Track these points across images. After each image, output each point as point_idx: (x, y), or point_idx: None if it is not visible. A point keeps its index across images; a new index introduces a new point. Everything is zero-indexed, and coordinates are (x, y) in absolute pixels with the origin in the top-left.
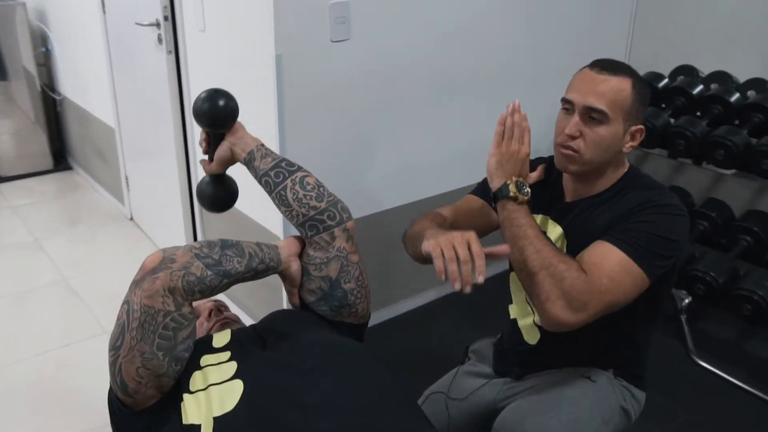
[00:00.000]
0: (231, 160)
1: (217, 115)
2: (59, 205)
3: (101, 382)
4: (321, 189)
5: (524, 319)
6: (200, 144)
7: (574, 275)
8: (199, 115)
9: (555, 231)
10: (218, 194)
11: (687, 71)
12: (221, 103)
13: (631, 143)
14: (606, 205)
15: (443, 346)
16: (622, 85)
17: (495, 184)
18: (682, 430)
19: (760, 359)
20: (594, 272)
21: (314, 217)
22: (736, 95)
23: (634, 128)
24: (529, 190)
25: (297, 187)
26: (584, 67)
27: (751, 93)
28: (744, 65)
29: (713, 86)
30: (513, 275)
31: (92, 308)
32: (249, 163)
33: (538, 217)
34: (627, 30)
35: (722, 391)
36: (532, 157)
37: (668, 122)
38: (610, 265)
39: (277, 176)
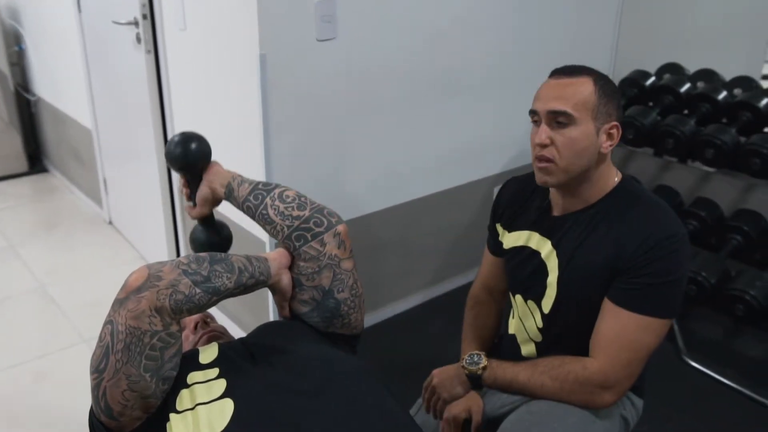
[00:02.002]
0: (212, 199)
1: (190, 157)
2: (35, 209)
3: (80, 395)
4: (302, 198)
5: (521, 335)
6: (181, 191)
7: (582, 365)
8: (173, 160)
9: (545, 246)
10: (212, 240)
11: (673, 69)
12: (193, 146)
13: (609, 142)
14: (602, 227)
15: (431, 351)
16: (583, 86)
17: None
18: None
19: (750, 359)
20: (614, 351)
21: (299, 227)
22: (724, 93)
23: (607, 126)
24: (480, 354)
25: (277, 202)
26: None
27: (737, 91)
28: (729, 63)
29: (700, 84)
30: (519, 298)
31: (70, 316)
32: (229, 196)
33: (525, 233)
34: (613, 28)
35: (713, 392)
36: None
37: (657, 121)
38: (630, 336)
39: (256, 198)
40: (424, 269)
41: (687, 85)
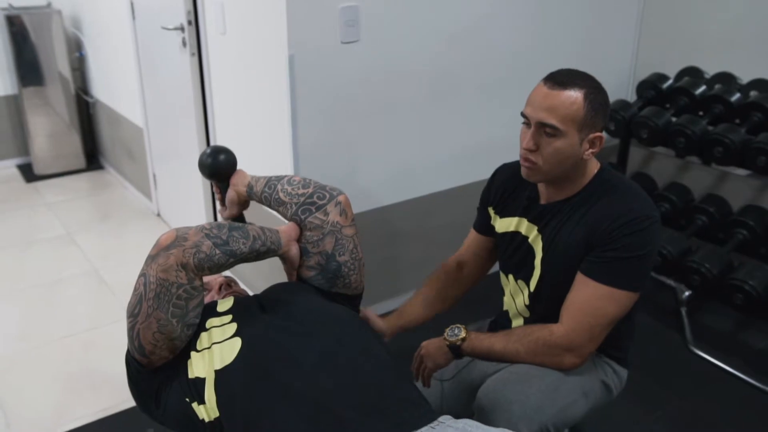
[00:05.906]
0: (239, 201)
1: (220, 166)
2: (91, 202)
3: (124, 362)
4: (306, 180)
5: (512, 310)
6: (216, 199)
7: (549, 331)
8: (204, 169)
9: (532, 231)
10: None
11: (692, 72)
12: (221, 157)
13: (591, 150)
14: (579, 212)
15: None
16: (573, 99)
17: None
18: (674, 416)
19: (755, 349)
20: (578, 317)
21: (305, 202)
22: (737, 95)
23: (592, 136)
24: (460, 327)
25: (286, 186)
26: (540, 81)
27: (753, 93)
28: (749, 66)
29: (716, 87)
30: (510, 277)
31: (119, 296)
32: (250, 193)
33: (515, 219)
34: (634, 32)
35: (717, 380)
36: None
37: (670, 121)
38: (594, 304)
39: (269, 188)
40: (443, 259)
41: (702, 88)
